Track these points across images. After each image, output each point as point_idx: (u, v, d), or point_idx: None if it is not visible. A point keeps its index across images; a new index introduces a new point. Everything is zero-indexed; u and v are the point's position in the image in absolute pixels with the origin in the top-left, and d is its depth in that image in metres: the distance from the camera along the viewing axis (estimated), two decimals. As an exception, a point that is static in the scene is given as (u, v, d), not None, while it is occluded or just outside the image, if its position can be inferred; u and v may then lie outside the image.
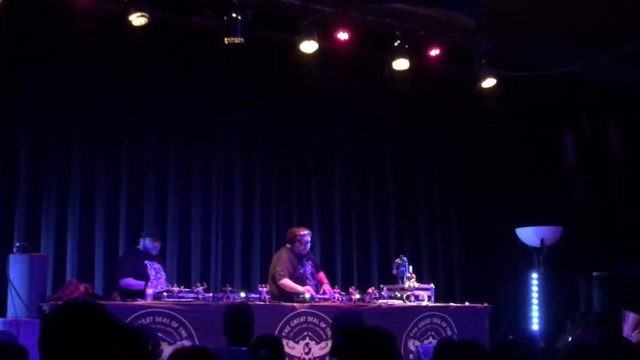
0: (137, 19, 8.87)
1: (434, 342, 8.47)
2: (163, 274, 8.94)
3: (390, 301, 9.14)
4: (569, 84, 11.93)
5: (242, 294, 8.56)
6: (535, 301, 11.55)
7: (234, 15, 9.18)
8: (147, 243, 8.95)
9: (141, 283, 8.36)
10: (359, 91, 11.40)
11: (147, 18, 8.87)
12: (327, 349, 8.25)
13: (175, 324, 7.76)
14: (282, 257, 9.33)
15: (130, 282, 8.62)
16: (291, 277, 9.15)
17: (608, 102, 12.99)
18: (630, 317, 10.28)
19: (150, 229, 9.46)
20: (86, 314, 2.69)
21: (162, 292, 8.19)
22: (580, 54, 10.74)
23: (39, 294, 7.90)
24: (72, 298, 7.55)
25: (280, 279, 9.09)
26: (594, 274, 11.84)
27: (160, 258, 9.30)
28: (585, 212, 12.89)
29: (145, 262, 8.85)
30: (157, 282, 8.66)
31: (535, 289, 11.57)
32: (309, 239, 9.45)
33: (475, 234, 12.13)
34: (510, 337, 9.09)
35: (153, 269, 8.84)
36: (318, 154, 11.39)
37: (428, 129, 12.11)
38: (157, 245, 9.02)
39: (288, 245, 9.45)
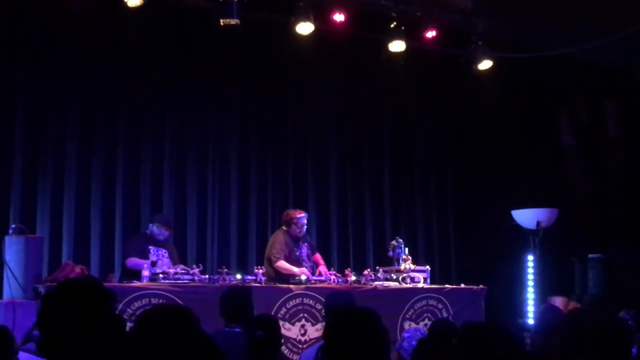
0: (132, 0, 8.83)
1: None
2: (167, 260, 8.90)
3: (386, 283, 9.15)
4: (566, 65, 11.90)
5: (238, 276, 8.55)
6: (530, 283, 11.58)
7: (229, -4, 9.16)
8: (154, 228, 8.93)
9: (146, 261, 8.37)
10: (355, 73, 11.38)
11: (142, -1, 8.84)
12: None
13: (171, 306, 7.74)
14: (278, 239, 9.34)
15: (135, 260, 8.63)
16: (287, 259, 9.16)
17: (605, 84, 12.98)
18: (557, 302, 10.32)
19: (161, 215, 9.43)
20: (82, 292, 2.70)
21: (158, 273, 8.19)
22: (577, 35, 10.73)
23: (35, 275, 7.88)
24: (70, 278, 7.53)
25: (276, 261, 9.10)
26: (590, 256, 11.87)
27: (172, 244, 9.28)
28: (581, 195, 12.91)
29: (150, 247, 8.84)
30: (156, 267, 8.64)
31: (530, 271, 11.59)
32: (305, 221, 9.45)
33: (471, 216, 12.15)
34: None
35: (156, 254, 8.82)
36: (314, 135, 11.38)
37: (424, 111, 12.10)
38: (165, 232, 8.97)
39: (284, 228, 9.45)
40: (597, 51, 10.81)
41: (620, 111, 13.28)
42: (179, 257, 9.30)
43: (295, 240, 9.42)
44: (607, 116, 13.31)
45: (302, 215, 9.44)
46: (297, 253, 9.36)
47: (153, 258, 8.75)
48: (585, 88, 12.98)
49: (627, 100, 13.09)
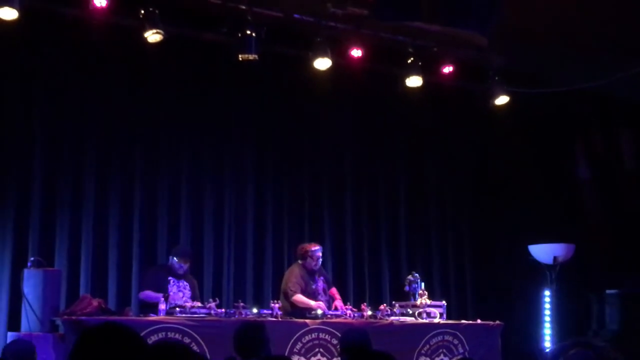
0: (153, 36, 8.96)
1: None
2: (188, 292, 8.94)
3: (402, 318, 9.13)
4: (582, 99, 11.92)
5: (255, 310, 8.56)
6: (547, 319, 11.52)
7: (247, 32, 9.26)
8: (174, 262, 8.96)
9: (159, 295, 8.39)
10: (373, 108, 11.44)
11: (162, 35, 8.95)
12: (338, 366, 8.25)
13: (187, 340, 7.76)
14: (293, 273, 9.35)
15: (148, 294, 8.68)
16: (303, 293, 9.16)
17: (621, 117, 12.98)
18: None
19: (180, 248, 9.39)
20: (122, 339, 2.72)
21: (174, 307, 8.22)
22: (593, 69, 10.76)
23: (53, 308, 7.93)
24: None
25: (293, 295, 9.10)
26: (607, 291, 11.80)
27: (192, 277, 9.29)
28: (598, 229, 12.85)
29: (170, 278, 8.87)
30: (176, 298, 8.66)
31: (547, 306, 11.54)
32: (320, 254, 9.46)
33: (488, 251, 12.09)
34: None
35: (176, 285, 8.86)
36: (330, 169, 11.40)
37: (440, 146, 12.12)
38: (184, 266, 8.98)
39: (299, 261, 9.47)
40: (613, 84, 10.82)
41: (637, 143, 13.25)
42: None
43: (311, 274, 9.42)
44: (624, 149, 13.28)
45: (317, 248, 9.46)
46: (313, 287, 9.37)
47: (173, 289, 8.79)
48: (602, 121, 12.98)
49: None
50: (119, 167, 9.96)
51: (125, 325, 2.83)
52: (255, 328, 6.46)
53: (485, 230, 12.12)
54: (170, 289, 8.76)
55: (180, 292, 8.84)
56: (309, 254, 9.39)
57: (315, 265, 9.42)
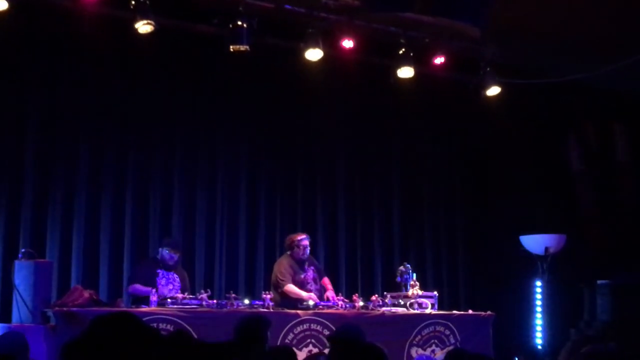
0: (143, 27, 8.93)
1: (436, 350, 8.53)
2: (177, 284, 8.94)
3: (394, 309, 9.14)
4: (575, 91, 11.93)
5: (246, 301, 8.56)
6: (539, 309, 11.54)
7: (239, 22, 9.25)
8: (164, 253, 8.97)
9: (148, 289, 8.38)
10: (364, 99, 11.42)
11: (153, 25, 8.92)
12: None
13: (179, 331, 7.76)
14: (282, 264, 9.38)
15: (138, 287, 8.68)
16: (293, 282, 9.18)
17: (614, 109, 12.99)
18: None
19: (170, 239, 9.45)
20: (133, 328, 2.71)
21: (166, 298, 8.22)
22: (586, 61, 10.77)
23: (44, 300, 7.91)
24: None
25: (284, 286, 9.12)
26: (598, 282, 11.82)
27: (182, 269, 9.31)
28: (589, 220, 12.88)
29: (159, 271, 8.87)
30: (165, 290, 8.66)
31: (539, 297, 11.57)
32: (306, 243, 9.46)
33: (480, 242, 12.12)
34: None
35: (165, 278, 8.86)
36: (322, 161, 11.41)
37: (433, 137, 12.13)
38: (174, 256, 9.00)
39: (288, 252, 9.49)
40: (606, 76, 10.83)
41: (629, 136, 13.27)
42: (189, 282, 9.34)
43: (300, 264, 9.44)
44: (616, 141, 13.30)
45: (303, 237, 9.48)
46: (302, 276, 9.39)
47: (162, 281, 8.79)
48: (595, 113, 12.99)
49: (637, 125, 13.08)
50: (111, 158, 9.96)
51: (137, 316, 2.81)
52: (261, 322, 6.44)
53: (477, 221, 12.15)
54: (158, 281, 8.76)
55: (169, 285, 8.84)
56: (296, 243, 9.41)
57: (303, 254, 9.44)
